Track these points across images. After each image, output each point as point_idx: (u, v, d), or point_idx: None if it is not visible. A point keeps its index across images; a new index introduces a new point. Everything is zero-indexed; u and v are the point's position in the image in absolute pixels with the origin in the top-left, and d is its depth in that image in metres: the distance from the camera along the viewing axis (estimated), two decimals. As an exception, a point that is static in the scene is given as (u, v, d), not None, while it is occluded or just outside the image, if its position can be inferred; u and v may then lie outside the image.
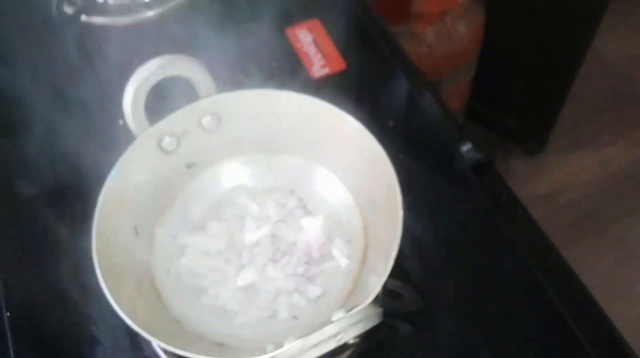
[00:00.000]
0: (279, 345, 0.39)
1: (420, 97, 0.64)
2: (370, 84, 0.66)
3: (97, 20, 0.72)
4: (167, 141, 0.51)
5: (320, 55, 0.68)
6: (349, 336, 0.38)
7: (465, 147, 0.59)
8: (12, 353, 0.49)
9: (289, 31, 0.70)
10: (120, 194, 0.47)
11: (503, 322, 0.50)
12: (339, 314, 0.39)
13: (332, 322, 0.38)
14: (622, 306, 1.27)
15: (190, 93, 0.50)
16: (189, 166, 0.53)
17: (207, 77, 0.50)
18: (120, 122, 0.52)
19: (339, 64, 0.67)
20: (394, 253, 0.41)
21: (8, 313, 0.51)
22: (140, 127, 0.49)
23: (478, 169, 0.58)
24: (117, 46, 0.71)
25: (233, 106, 0.52)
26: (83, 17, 0.71)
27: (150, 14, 0.72)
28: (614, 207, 1.43)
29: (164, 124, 0.50)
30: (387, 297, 0.46)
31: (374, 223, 0.50)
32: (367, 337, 0.44)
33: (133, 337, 0.50)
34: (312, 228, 0.51)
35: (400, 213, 0.43)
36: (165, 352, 0.48)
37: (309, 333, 0.38)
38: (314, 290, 0.48)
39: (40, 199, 0.57)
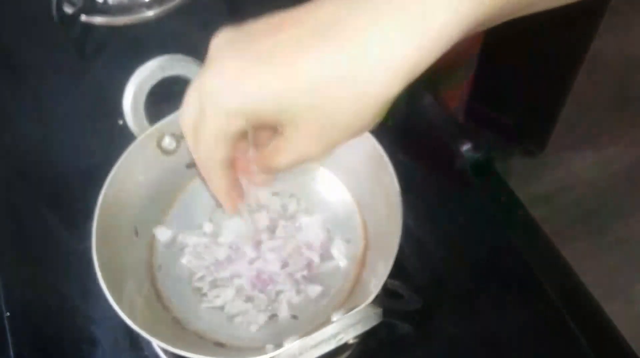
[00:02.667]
0: (279, 345, 0.39)
1: (420, 97, 0.64)
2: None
3: (97, 20, 0.72)
4: (167, 141, 0.51)
5: (320, 55, 0.67)
6: (349, 336, 0.38)
7: (465, 147, 0.59)
8: (12, 353, 0.49)
9: (289, 31, 0.70)
10: (120, 194, 0.47)
11: (503, 321, 0.50)
12: (339, 314, 0.39)
13: (332, 322, 0.38)
14: (622, 306, 1.27)
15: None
16: (189, 166, 0.53)
17: (207, 77, 0.50)
18: (120, 122, 0.52)
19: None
20: (394, 253, 0.41)
21: (8, 313, 0.51)
22: (140, 127, 0.49)
23: (478, 169, 0.58)
24: (117, 45, 0.71)
25: (233, 106, 0.52)
26: (83, 17, 0.71)
27: (150, 14, 0.72)
28: (614, 207, 1.43)
29: (164, 124, 0.50)
30: (387, 297, 0.46)
31: (374, 223, 0.50)
32: (367, 337, 0.44)
33: (133, 337, 0.50)
34: (312, 228, 0.51)
35: (400, 213, 0.43)
36: (165, 352, 0.48)
37: (309, 333, 0.38)
38: (314, 290, 0.48)
39: (40, 200, 0.57)
